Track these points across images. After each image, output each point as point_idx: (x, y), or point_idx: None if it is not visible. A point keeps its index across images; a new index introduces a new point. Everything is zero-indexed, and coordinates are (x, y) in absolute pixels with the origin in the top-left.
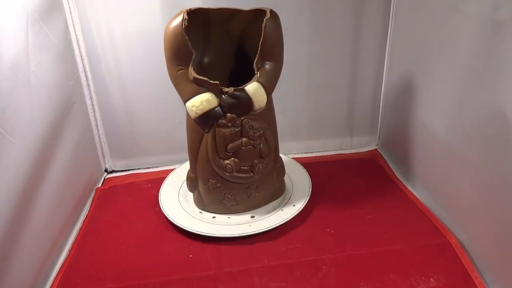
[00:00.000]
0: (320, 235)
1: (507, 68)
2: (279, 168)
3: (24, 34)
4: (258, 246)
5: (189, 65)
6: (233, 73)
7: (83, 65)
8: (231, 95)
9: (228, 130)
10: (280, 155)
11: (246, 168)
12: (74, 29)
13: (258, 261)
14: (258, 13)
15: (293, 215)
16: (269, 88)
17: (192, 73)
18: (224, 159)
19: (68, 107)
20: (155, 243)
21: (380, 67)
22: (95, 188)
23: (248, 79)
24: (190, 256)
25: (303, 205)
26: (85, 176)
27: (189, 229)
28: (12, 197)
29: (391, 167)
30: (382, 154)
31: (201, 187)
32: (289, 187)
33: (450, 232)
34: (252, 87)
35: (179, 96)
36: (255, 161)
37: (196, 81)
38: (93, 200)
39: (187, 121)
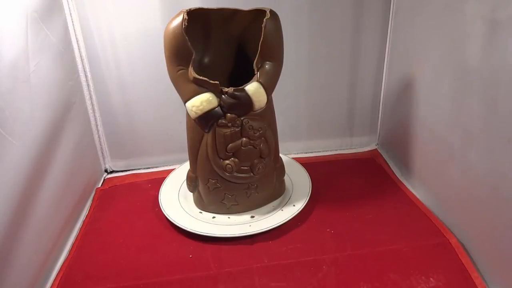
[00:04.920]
0: (320, 235)
1: (507, 67)
2: (279, 168)
3: (24, 34)
4: (258, 246)
5: (189, 65)
6: (233, 73)
7: (83, 66)
8: (231, 95)
9: (228, 130)
10: (280, 155)
11: (246, 168)
12: (74, 30)
13: (258, 261)
14: (258, 13)
15: (293, 215)
16: (269, 88)
17: (192, 73)
18: (224, 159)
19: (68, 107)
20: (155, 243)
21: (380, 67)
22: (95, 188)
23: (248, 79)
24: (190, 256)
25: (303, 205)
26: (85, 176)
27: (189, 229)
28: (12, 197)
29: (391, 167)
30: (382, 154)
31: (201, 187)
32: (289, 187)
33: (450, 232)
34: (252, 87)
35: (179, 96)
36: (255, 161)
37: (196, 81)
38: (93, 200)
39: (187, 121)
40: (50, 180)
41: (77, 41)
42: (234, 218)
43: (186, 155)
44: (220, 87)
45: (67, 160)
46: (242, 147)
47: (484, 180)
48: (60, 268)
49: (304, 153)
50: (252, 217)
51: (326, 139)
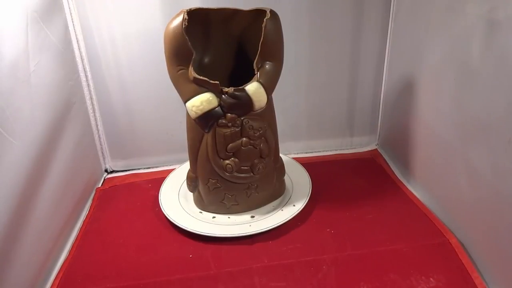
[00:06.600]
0: (320, 235)
1: (507, 68)
2: (279, 168)
3: (24, 34)
4: (258, 246)
5: (189, 65)
6: (233, 73)
7: (83, 65)
8: (231, 95)
9: (228, 130)
10: (280, 155)
11: (246, 168)
12: (74, 29)
13: (258, 261)
14: (258, 13)
15: (293, 215)
16: (269, 88)
17: (192, 73)
18: (224, 159)
19: (68, 107)
20: (155, 243)
21: (380, 67)
22: (95, 188)
23: (248, 79)
24: (190, 256)
25: (303, 205)
26: (85, 176)
27: (189, 229)
28: (12, 197)
29: (391, 167)
30: (382, 154)
31: (201, 187)
32: (289, 187)
33: (450, 232)
34: (252, 87)
35: (179, 96)
36: (255, 161)
37: (196, 81)
38: (93, 200)
39: (187, 121)
40: (50, 180)
41: (77, 41)
42: (234, 218)
43: (186, 155)
44: (220, 87)
45: (67, 160)
46: (242, 147)
47: (484, 180)
48: (60, 268)
49: (304, 153)
50: (252, 217)
51: (326, 139)
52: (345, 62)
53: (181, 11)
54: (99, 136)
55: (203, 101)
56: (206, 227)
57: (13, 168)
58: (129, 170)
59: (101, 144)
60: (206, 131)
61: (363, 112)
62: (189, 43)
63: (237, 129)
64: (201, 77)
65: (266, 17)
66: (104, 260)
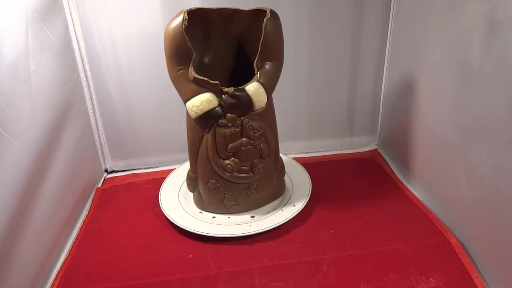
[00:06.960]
0: (320, 235)
1: (507, 68)
2: (279, 168)
3: (24, 34)
4: (258, 246)
5: (189, 65)
6: (233, 73)
7: (83, 65)
8: (231, 95)
9: (228, 130)
10: (280, 155)
11: (246, 168)
12: (74, 29)
13: (258, 261)
14: (258, 13)
15: (293, 215)
16: (269, 88)
17: (192, 73)
18: (224, 159)
19: (68, 107)
20: (155, 243)
21: (380, 67)
22: (95, 188)
23: (248, 79)
24: (190, 256)
25: (303, 205)
26: (85, 176)
27: (189, 229)
28: (12, 197)
29: (391, 167)
30: (382, 154)
31: (201, 187)
32: (289, 187)
33: (450, 232)
34: (252, 87)
35: (179, 96)
36: (255, 161)
37: (196, 81)
38: (93, 200)
39: (187, 121)
40: (50, 180)
41: (77, 41)
42: (234, 218)
43: (186, 155)
44: (220, 87)
45: (67, 160)
46: (242, 147)
47: (484, 180)
48: (60, 268)
49: (304, 153)
50: (252, 217)
51: (326, 139)
52: (345, 62)
53: (181, 11)
54: (99, 136)
55: (203, 101)
56: (206, 227)
57: (13, 168)
58: (129, 170)
59: (101, 144)
60: (206, 131)
61: (363, 112)
62: (189, 43)
63: (237, 129)
64: (201, 77)
65: (266, 17)
66: (104, 260)
